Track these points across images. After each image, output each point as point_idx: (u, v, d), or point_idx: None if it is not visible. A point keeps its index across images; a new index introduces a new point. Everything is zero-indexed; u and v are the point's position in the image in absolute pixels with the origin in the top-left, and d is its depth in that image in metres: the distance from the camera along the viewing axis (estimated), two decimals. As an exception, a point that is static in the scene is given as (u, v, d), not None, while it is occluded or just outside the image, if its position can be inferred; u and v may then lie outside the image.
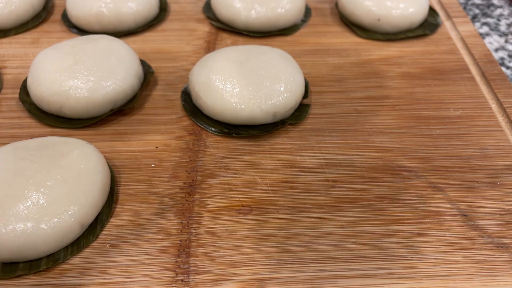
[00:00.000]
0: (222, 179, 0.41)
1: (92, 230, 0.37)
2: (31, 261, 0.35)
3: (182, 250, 0.36)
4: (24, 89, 0.49)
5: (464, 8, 0.72)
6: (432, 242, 0.37)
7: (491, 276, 0.35)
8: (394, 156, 0.43)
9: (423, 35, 0.59)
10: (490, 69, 0.53)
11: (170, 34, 0.58)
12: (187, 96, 0.49)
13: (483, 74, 0.53)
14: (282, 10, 0.57)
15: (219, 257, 0.36)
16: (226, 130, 0.45)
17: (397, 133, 0.46)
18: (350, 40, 0.58)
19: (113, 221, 0.38)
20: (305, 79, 0.51)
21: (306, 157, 0.43)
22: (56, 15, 0.61)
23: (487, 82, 0.52)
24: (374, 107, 0.48)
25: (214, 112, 0.45)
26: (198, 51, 0.55)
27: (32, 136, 0.44)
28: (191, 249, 0.36)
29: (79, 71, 0.45)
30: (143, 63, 0.52)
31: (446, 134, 0.46)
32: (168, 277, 0.34)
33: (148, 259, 0.35)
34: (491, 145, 0.45)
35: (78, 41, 0.49)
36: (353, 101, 0.49)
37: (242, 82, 0.44)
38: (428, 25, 0.60)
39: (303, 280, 0.34)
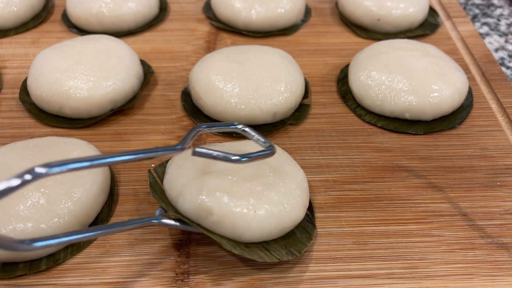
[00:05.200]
0: (222, 179, 0.41)
1: (92, 230, 0.37)
2: (31, 261, 0.35)
3: (182, 250, 0.36)
4: (24, 89, 0.49)
5: (464, 8, 0.72)
6: (432, 242, 0.37)
7: (491, 276, 0.35)
8: (394, 156, 0.43)
9: (423, 35, 0.59)
10: (490, 69, 0.53)
11: (170, 34, 0.58)
12: (187, 96, 0.49)
13: (483, 74, 0.53)
14: (282, 10, 0.57)
15: (219, 257, 0.36)
16: (226, 130, 0.45)
17: (397, 133, 0.46)
18: (350, 40, 0.58)
19: (113, 221, 0.38)
20: (305, 79, 0.51)
21: (306, 157, 0.43)
22: (56, 15, 0.61)
23: (487, 82, 0.52)
24: (374, 107, 0.48)
25: (214, 112, 0.45)
26: (198, 51, 0.55)
27: (32, 136, 0.44)
28: (191, 249, 0.36)
29: (79, 71, 0.45)
30: (143, 63, 0.52)
31: (446, 134, 0.46)
32: (168, 277, 0.34)
33: (148, 259, 0.35)
34: (491, 145, 0.45)
35: (78, 41, 0.49)
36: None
37: (242, 82, 0.44)
38: (428, 25, 0.60)
39: (303, 280, 0.34)
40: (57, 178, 0.36)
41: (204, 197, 0.33)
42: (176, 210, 0.34)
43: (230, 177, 0.34)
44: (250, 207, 0.33)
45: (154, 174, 0.38)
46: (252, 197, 0.33)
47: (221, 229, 0.33)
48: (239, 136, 0.45)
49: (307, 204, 0.36)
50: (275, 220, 0.33)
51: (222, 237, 0.33)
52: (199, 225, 0.33)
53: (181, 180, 0.34)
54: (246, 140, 0.40)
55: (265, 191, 0.34)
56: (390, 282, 0.34)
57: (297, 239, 0.35)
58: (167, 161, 0.40)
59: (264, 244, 0.34)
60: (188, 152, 0.36)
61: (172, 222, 0.33)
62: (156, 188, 0.36)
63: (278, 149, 0.39)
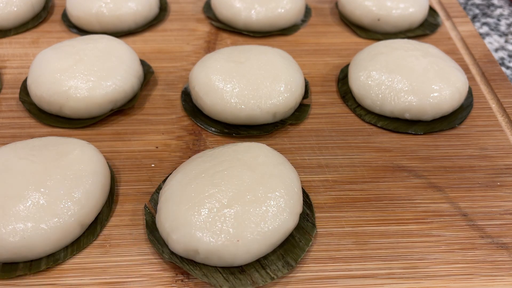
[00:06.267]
0: (222, 179, 0.41)
1: (92, 230, 0.37)
2: (31, 261, 0.35)
3: (182, 250, 0.36)
4: (24, 89, 0.49)
5: (464, 8, 0.72)
6: (432, 242, 0.37)
7: (491, 276, 0.35)
8: (394, 156, 0.43)
9: (423, 35, 0.59)
10: (490, 69, 0.53)
11: (170, 34, 0.58)
12: (187, 96, 0.49)
13: (483, 74, 0.53)
14: (282, 10, 0.57)
15: (219, 257, 0.36)
16: (226, 130, 0.45)
17: (397, 133, 0.46)
18: (350, 40, 0.58)
19: (113, 221, 0.38)
20: (305, 79, 0.51)
21: (306, 157, 0.43)
22: (56, 15, 0.61)
23: (487, 82, 0.52)
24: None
25: (214, 112, 0.45)
26: (198, 51, 0.55)
27: (32, 136, 0.44)
28: (191, 249, 0.36)
29: (79, 71, 0.45)
30: (143, 63, 0.52)
31: (446, 134, 0.46)
32: (168, 277, 0.34)
33: (148, 259, 0.35)
34: (491, 145, 0.45)
35: (78, 41, 0.49)
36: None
37: (242, 82, 0.44)
38: (428, 25, 0.60)
39: (303, 280, 0.34)
40: (57, 178, 0.36)
41: (187, 239, 0.33)
42: (170, 251, 0.35)
43: (210, 205, 0.34)
44: (233, 238, 0.33)
45: (150, 206, 0.38)
46: (233, 226, 0.33)
47: (211, 262, 0.34)
48: (239, 136, 0.45)
49: (299, 210, 0.36)
50: (263, 240, 0.33)
51: (215, 267, 0.34)
52: (193, 261, 0.34)
53: (167, 222, 0.34)
54: (247, 143, 0.40)
55: (248, 212, 0.34)
56: (390, 282, 0.34)
57: (295, 243, 0.36)
58: (163, 181, 0.40)
59: (260, 260, 0.34)
60: (176, 175, 0.37)
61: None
62: (152, 227, 0.36)
63: (270, 150, 0.39)
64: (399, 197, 0.40)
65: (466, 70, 0.53)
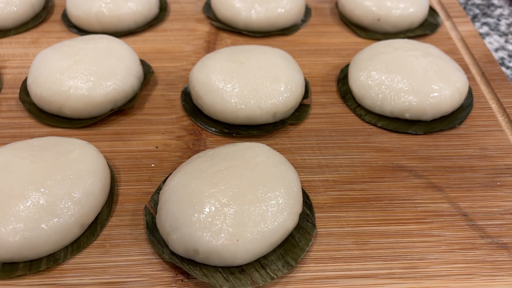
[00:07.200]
0: (222, 179, 0.41)
1: (92, 230, 0.37)
2: (31, 261, 0.35)
3: (182, 250, 0.36)
4: (24, 89, 0.49)
5: (464, 8, 0.72)
6: (432, 242, 0.37)
7: (491, 276, 0.35)
8: (394, 156, 0.43)
9: (423, 35, 0.59)
10: (490, 69, 0.53)
11: (170, 34, 0.58)
12: (187, 96, 0.49)
13: (483, 74, 0.53)
14: (282, 10, 0.57)
15: (219, 257, 0.36)
16: (226, 130, 0.45)
17: (397, 133, 0.46)
18: (350, 40, 0.58)
19: (113, 221, 0.38)
20: (305, 79, 0.51)
21: (306, 157, 0.43)
22: (56, 15, 0.61)
23: (487, 82, 0.52)
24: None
25: (214, 112, 0.45)
26: (198, 51, 0.55)
27: (32, 136, 0.44)
28: (191, 249, 0.36)
29: (79, 71, 0.45)
30: (143, 63, 0.52)
31: (446, 134, 0.46)
32: (168, 277, 0.34)
33: (148, 259, 0.35)
34: (491, 145, 0.45)
35: (78, 41, 0.49)
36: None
37: (242, 82, 0.44)
38: (428, 25, 0.60)
39: (303, 280, 0.34)
40: (57, 178, 0.36)
41: (187, 239, 0.33)
42: (170, 252, 0.35)
43: (210, 205, 0.34)
44: (233, 238, 0.33)
45: (150, 206, 0.38)
46: (233, 225, 0.33)
47: (211, 262, 0.33)
48: (239, 136, 0.45)
49: (299, 209, 0.36)
50: (263, 240, 0.33)
51: (215, 267, 0.34)
52: (193, 261, 0.34)
53: (167, 222, 0.34)
54: (247, 143, 0.40)
55: (248, 211, 0.34)
56: (390, 282, 0.34)
57: (295, 243, 0.36)
58: (163, 181, 0.40)
59: (260, 260, 0.34)
60: (176, 174, 0.37)
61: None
62: (152, 227, 0.37)
63: (270, 150, 0.39)
64: (399, 197, 0.40)
65: (466, 70, 0.53)
